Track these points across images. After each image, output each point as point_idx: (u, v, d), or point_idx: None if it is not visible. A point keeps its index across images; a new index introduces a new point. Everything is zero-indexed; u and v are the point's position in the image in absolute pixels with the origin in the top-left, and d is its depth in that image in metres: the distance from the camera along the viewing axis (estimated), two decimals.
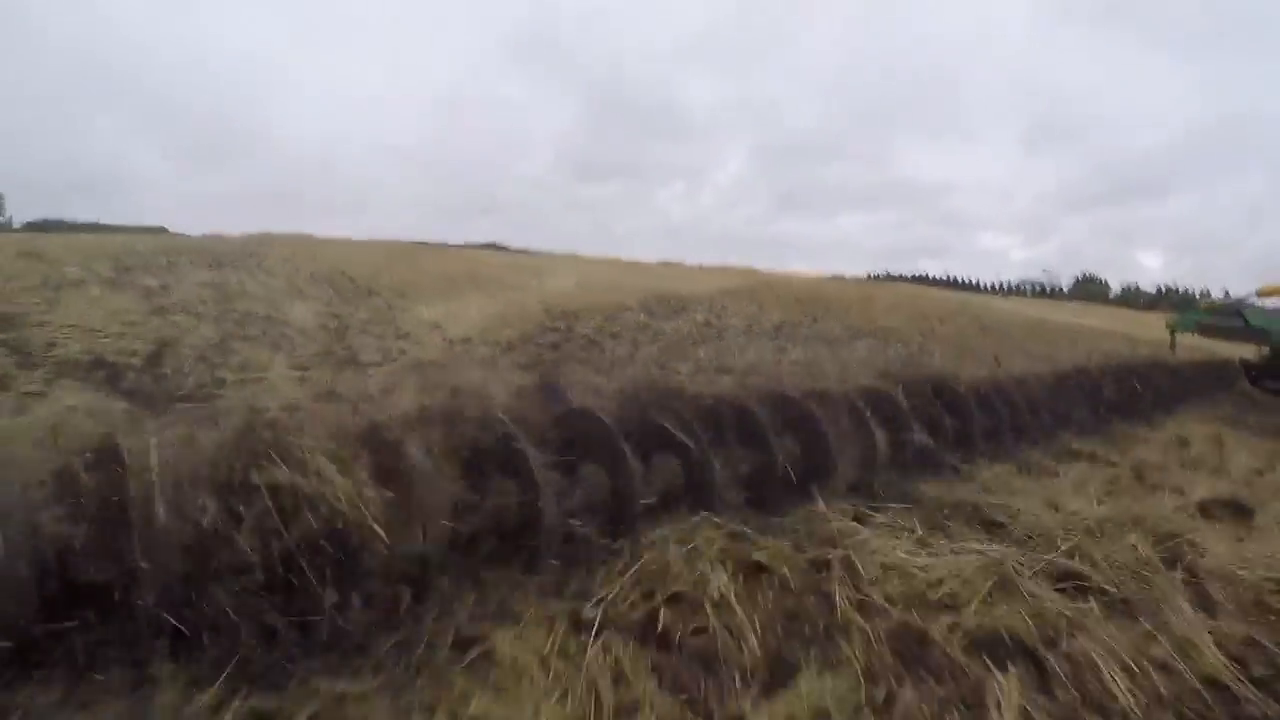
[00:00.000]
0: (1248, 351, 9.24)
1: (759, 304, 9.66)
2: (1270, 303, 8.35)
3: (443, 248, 19.61)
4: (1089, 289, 67.93)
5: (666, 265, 22.25)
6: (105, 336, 4.64)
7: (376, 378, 3.78)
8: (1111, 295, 66.46)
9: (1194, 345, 9.32)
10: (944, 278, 69.70)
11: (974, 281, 73.19)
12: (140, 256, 9.41)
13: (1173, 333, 9.10)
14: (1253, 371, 8.53)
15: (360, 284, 7.93)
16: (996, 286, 71.38)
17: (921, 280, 56.94)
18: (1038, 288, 69.41)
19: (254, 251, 11.23)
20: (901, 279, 53.09)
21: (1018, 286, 70.90)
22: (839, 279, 24.00)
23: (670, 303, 8.38)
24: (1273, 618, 1.98)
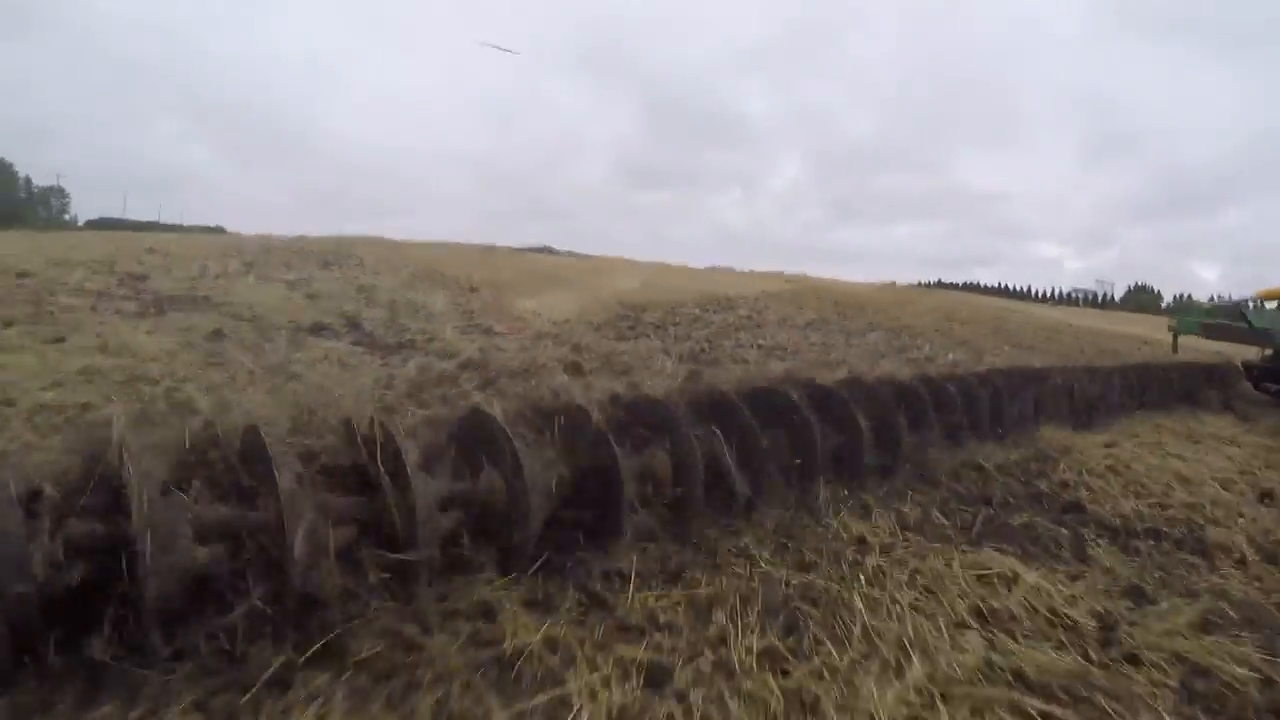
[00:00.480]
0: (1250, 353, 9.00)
1: (798, 304, 10.92)
2: (1272, 305, 8.30)
3: (508, 251, 21.22)
4: (1140, 299, 67.06)
5: (718, 271, 23.57)
6: (295, 313, 6.18)
7: (520, 343, 5.21)
8: (1164, 305, 65.27)
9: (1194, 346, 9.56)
10: (995, 286, 69.14)
11: (1025, 290, 72.60)
12: (253, 254, 10.69)
13: (1175, 334, 9.13)
14: (1254, 373, 8.42)
15: (460, 280, 9.49)
16: (1047, 295, 70.70)
17: (972, 288, 56.90)
18: (1089, 297, 68.62)
19: (348, 252, 12.80)
20: (952, 286, 53.23)
21: (1069, 295, 70.16)
22: (889, 286, 24.85)
23: (720, 301, 9.74)
24: None
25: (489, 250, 20.40)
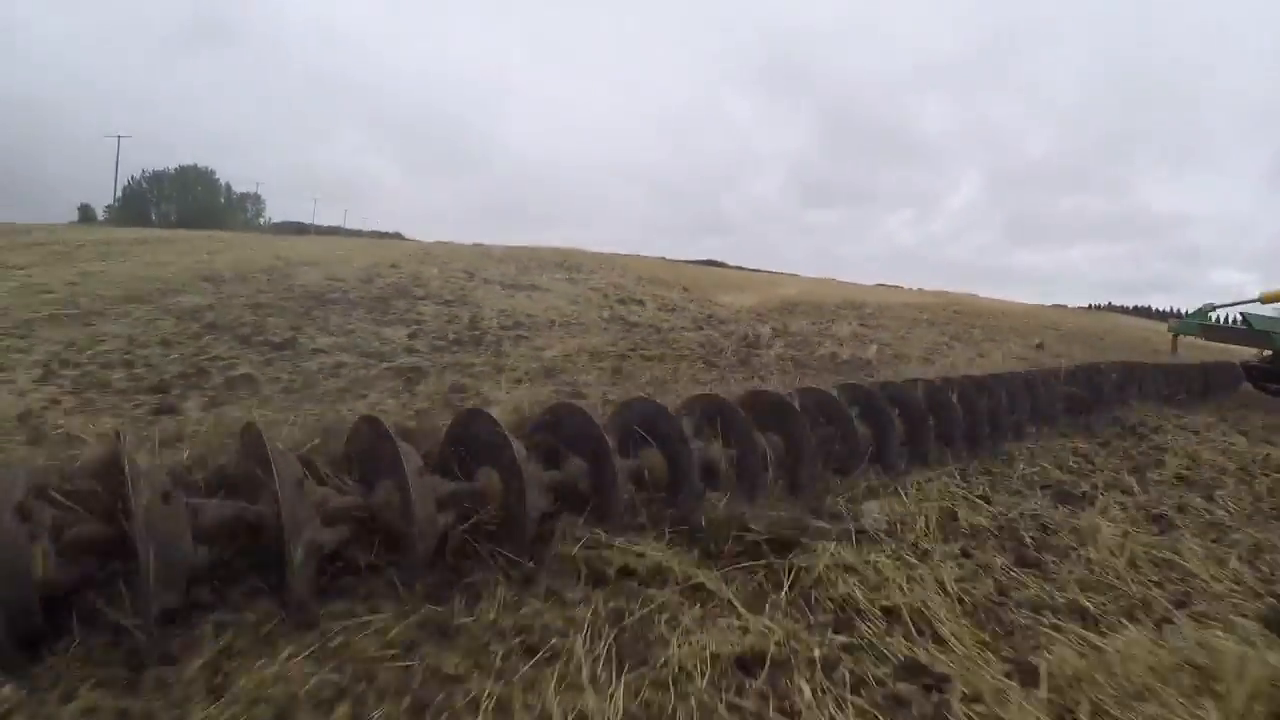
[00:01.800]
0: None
1: (930, 313, 13.79)
2: (1272, 308, 8.46)
3: (681, 264, 25.18)
4: None
5: (882, 286, 26.26)
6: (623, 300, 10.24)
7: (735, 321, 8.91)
8: None
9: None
10: (1165, 310, 64.29)
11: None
12: (483, 263, 12.58)
13: (1175, 336, 9.34)
14: (1254, 373, 8.77)
15: (673, 283, 13.38)
16: None
17: (1142, 312, 53.91)
18: None
19: (562, 262, 16.62)
20: (1121, 310, 51.02)
21: None
22: (1058, 308, 26.25)
23: (859, 308, 12.89)
24: None
25: (672, 263, 24.55)
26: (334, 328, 6.20)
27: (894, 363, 6.68)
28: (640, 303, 9.74)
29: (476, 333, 6.52)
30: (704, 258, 37.92)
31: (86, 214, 65.05)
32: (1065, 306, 26.90)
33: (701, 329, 7.64)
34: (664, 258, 25.26)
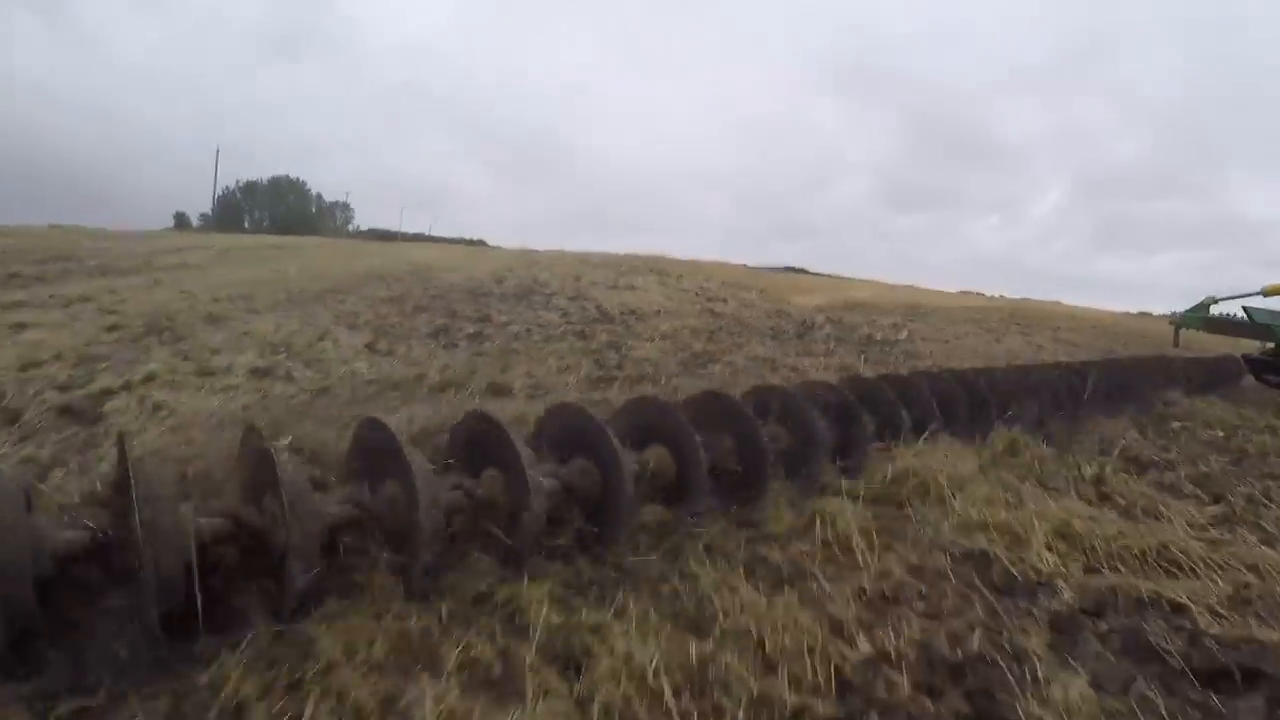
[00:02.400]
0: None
1: (981, 315, 15.54)
2: (1274, 301, 8.50)
3: (761, 271, 27.27)
4: None
5: (964, 293, 27.64)
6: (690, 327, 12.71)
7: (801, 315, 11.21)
8: None
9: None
10: None
11: None
12: (583, 269, 14.56)
13: (1176, 328, 9.45)
14: (1256, 365, 8.90)
15: (751, 286, 15.70)
16: None
17: None
18: None
19: (651, 267, 18.77)
20: None
21: None
22: (1143, 315, 26.97)
23: (916, 308, 14.82)
24: None
25: (753, 270, 26.78)
26: (506, 312, 8.88)
27: (912, 340, 8.85)
28: (723, 300, 12.16)
29: (606, 316, 9.11)
30: (786, 263, 39.14)
31: (182, 221, 65.37)
32: (1150, 314, 27.50)
33: (771, 319, 9.99)
34: (745, 265, 27.24)
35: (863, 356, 7.09)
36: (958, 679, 1.78)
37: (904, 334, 9.46)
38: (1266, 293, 8.47)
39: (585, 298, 10.72)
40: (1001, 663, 1.83)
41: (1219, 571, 2.56)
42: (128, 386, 4.38)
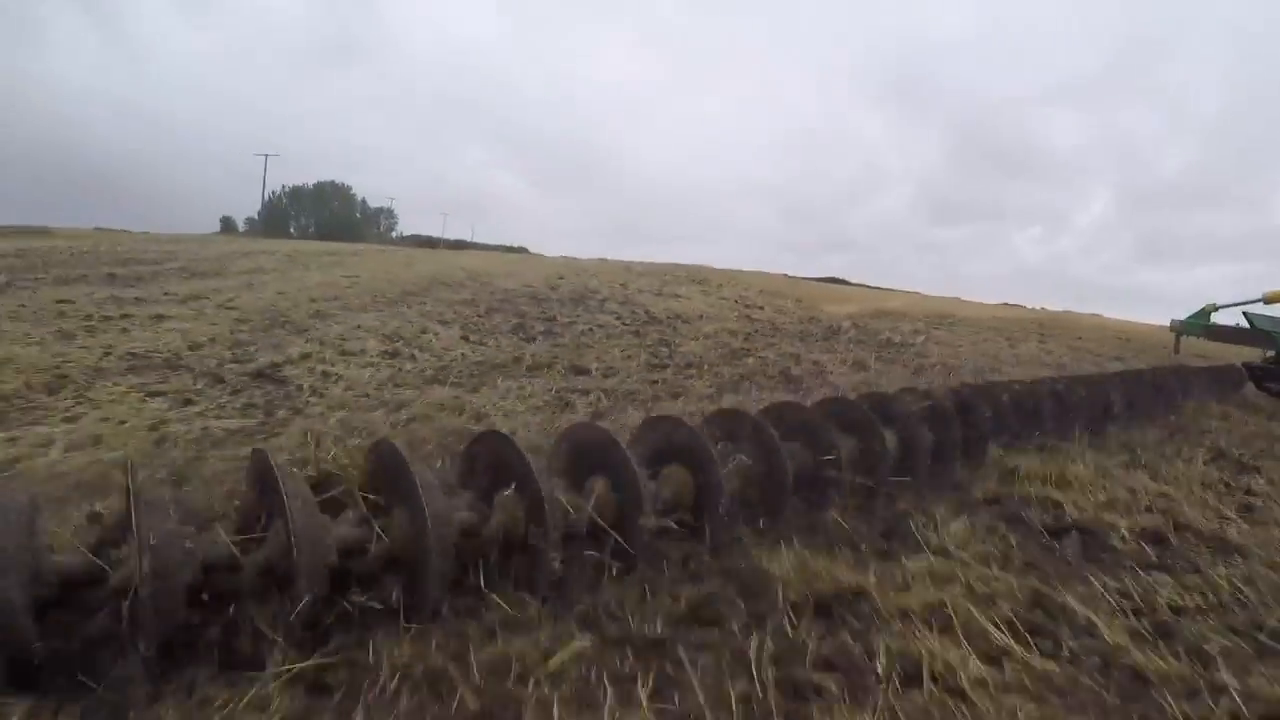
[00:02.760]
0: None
1: (1007, 325, 16.32)
2: (1275, 308, 8.50)
3: (800, 280, 28.22)
4: None
5: (1005, 305, 28.11)
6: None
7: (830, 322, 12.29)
8: None
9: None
10: None
11: None
12: (629, 277, 15.69)
13: (1177, 336, 9.40)
14: (1257, 373, 8.68)
15: (788, 295, 16.78)
16: None
17: None
18: None
19: (693, 277, 19.73)
20: None
21: None
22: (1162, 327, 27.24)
23: (945, 317, 15.70)
24: None
25: (792, 279, 27.79)
26: (568, 314, 10.16)
27: (926, 344, 9.89)
28: (760, 308, 13.30)
29: (654, 319, 10.33)
30: (827, 274, 39.81)
31: (228, 225, 67.12)
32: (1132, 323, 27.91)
33: (802, 324, 11.10)
34: (785, 274, 28.08)
35: (875, 356, 8.14)
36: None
37: (920, 339, 10.47)
38: (1268, 299, 8.51)
39: (634, 303, 11.95)
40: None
41: (1104, 491, 3.65)
42: (290, 361, 5.70)
